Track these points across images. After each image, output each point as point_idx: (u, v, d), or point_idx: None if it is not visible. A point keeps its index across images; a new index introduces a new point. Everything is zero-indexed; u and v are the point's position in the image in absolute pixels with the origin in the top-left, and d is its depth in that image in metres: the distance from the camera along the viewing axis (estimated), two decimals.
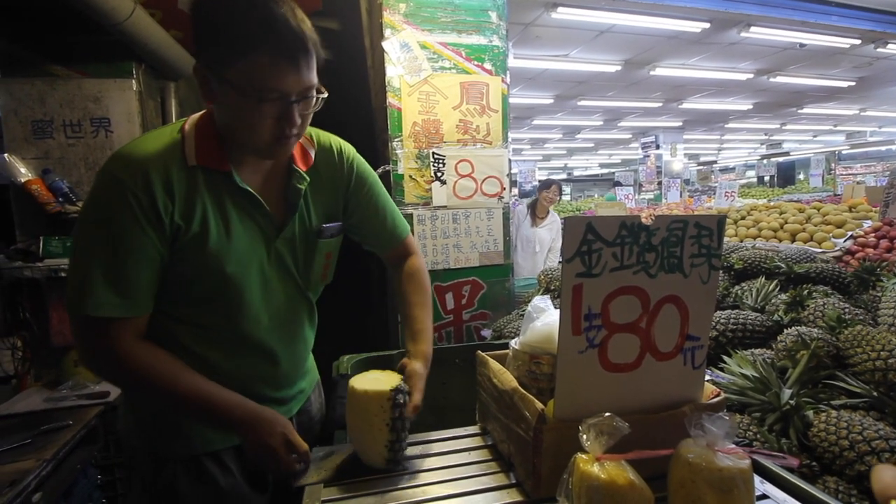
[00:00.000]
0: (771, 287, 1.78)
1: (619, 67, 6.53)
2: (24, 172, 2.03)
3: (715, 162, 19.36)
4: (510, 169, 2.31)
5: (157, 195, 0.83)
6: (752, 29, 5.13)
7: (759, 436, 1.07)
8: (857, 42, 5.64)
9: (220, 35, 0.80)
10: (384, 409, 0.88)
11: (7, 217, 2.14)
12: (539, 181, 4.66)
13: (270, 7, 0.78)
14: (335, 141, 1.09)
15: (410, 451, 0.98)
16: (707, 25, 5.01)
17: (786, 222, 3.62)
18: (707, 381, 0.91)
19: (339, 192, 1.08)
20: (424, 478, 0.89)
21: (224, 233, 0.90)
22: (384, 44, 2.05)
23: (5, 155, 2.03)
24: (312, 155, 1.02)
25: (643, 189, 12.40)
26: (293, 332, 1.07)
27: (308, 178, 1.00)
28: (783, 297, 1.65)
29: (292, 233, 1.00)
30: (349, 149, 1.10)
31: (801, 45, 5.71)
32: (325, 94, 0.89)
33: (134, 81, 2.18)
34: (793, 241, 3.40)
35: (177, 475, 0.97)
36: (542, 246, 4.11)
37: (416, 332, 1.12)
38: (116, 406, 1.91)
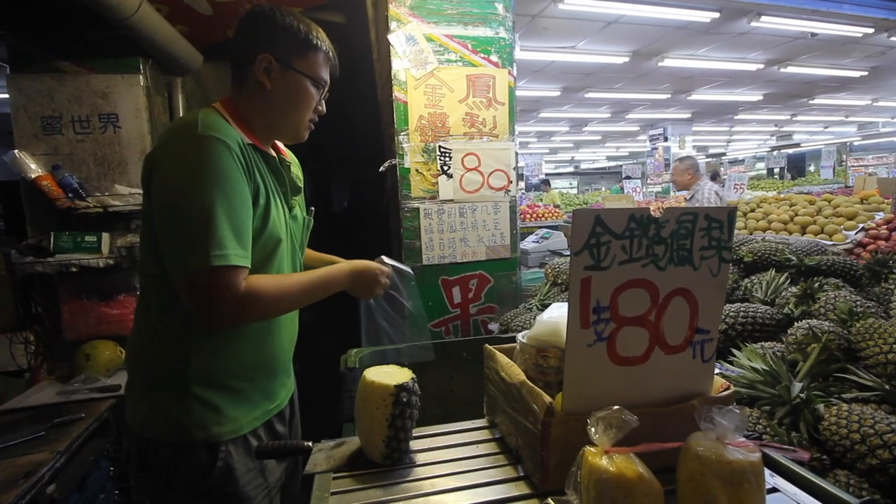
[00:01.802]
0: (781, 280, 1.76)
1: (626, 59, 6.47)
2: (34, 168, 2.05)
3: (724, 154, 19.14)
4: (517, 162, 2.30)
5: (246, 156, 0.99)
6: (763, 18, 5.06)
7: (768, 429, 1.06)
8: (870, 31, 5.54)
9: (294, 35, 1.05)
10: (386, 404, 0.88)
11: (18, 213, 2.16)
12: (550, 177, 4.72)
13: (315, 27, 1.09)
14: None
15: (418, 443, 0.98)
16: (717, 15, 4.94)
17: (796, 214, 3.57)
18: (716, 374, 0.90)
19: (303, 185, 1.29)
20: (432, 470, 0.89)
21: (274, 203, 1.06)
22: (390, 37, 2.04)
23: (15, 151, 2.05)
24: (285, 150, 1.23)
25: (651, 182, 12.30)
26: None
27: (293, 166, 1.21)
28: (793, 289, 1.63)
29: (296, 212, 1.18)
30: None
31: (813, 35, 5.61)
32: (328, 92, 1.15)
33: (141, 77, 2.19)
34: (803, 233, 3.35)
35: (232, 455, 1.03)
36: None
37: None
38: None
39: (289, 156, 1.23)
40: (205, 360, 1.02)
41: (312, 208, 1.28)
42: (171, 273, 0.93)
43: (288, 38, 1.05)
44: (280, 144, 1.20)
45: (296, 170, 1.23)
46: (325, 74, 1.11)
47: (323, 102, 1.13)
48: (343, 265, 1.15)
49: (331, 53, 1.11)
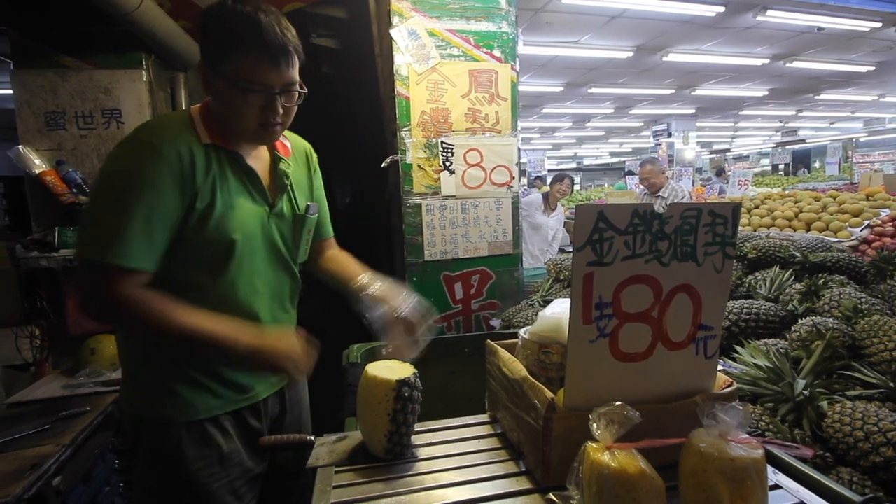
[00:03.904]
0: (785, 277, 1.75)
1: (630, 54, 6.42)
2: (38, 164, 2.06)
3: (728, 150, 19.04)
4: (519, 158, 2.29)
5: (184, 160, 0.96)
6: (769, 12, 5.01)
7: (771, 426, 1.06)
8: (878, 25, 5.48)
9: (218, 36, 0.97)
10: (387, 399, 0.89)
11: (23, 208, 2.17)
12: (553, 172, 4.80)
13: (258, 16, 0.95)
14: (305, 143, 1.28)
15: (420, 438, 0.99)
16: (722, 9, 4.90)
17: (801, 211, 3.55)
18: (719, 371, 0.90)
19: (310, 181, 1.26)
20: (434, 465, 0.90)
21: (230, 204, 1.03)
22: (392, 31, 2.03)
23: (19, 146, 2.06)
24: (289, 147, 1.20)
25: None
26: (280, 303, 1.18)
27: (291, 165, 1.17)
28: (798, 286, 1.63)
29: (281, 210, 1.14)
30: (312, 150, 1.29)
31: (819, 29, 5.56)
32: (305, 91, 1.06)
33: (144, 72, 2.19)
34: (808, 230, 3.34)
35: (182, 438, 1.04)
36: (551, 234, 4.43)
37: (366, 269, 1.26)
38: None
39: (291, 151, 1.19)
40: (165, 350, 1.04)
41: (313, 204, 1.22)
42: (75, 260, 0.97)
43: (215, 38, 0.98)
44: (282, 140, 1.17)
45: (296, 168, 1.19)
46: (263, 76, 0.96)
47: (278, 105, 1.00)
48: (247, 339, 0.98)
49: (268, 49, 0.95)
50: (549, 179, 4.73)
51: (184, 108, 2.43)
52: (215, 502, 1.07)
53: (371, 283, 1.21)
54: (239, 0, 0.97)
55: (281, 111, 1.01)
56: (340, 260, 1.33)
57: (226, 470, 1.09)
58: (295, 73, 1.02)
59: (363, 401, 0.92)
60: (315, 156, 1.29)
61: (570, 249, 0.82)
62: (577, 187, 16.36)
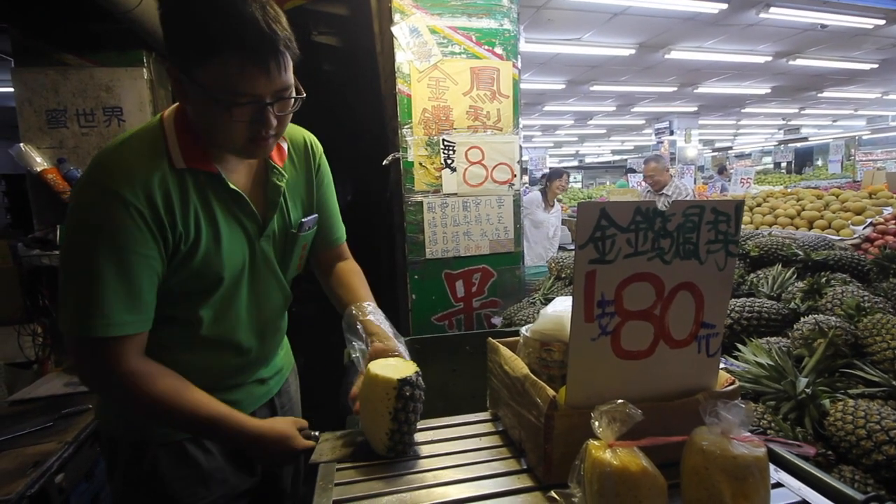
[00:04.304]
0: (787, 275, 1.75)
1: (632, 51, 6.40)
2: (39, 162, 2.06)
3: (730, 148, 18.98)
4: (521, 156, 2.29)
5: (159, 207, 0.82)
6: (772, 10, 4.99)
7: (773, 424, 1.06)
8: (882, 22, 5.45)
9: (187, 35, 0.76)
10: (389, 398, 0.88)
11: (24, 206, 2.18)
12: (550, 168, 4.81)
13: (237, 6, 0.74)
14: (305, 135, 1.09)
15: (421, 436, 0.98)
16: (725, 6, 4.88)
17: (803, 209, 3.55)
18: (721, 369, 0.90)
19: (310, 185, 1.09)
20: (435, 463, 0.90)
21: (215, 237, 0.90)
22: (393, 29, 2.03)
23: (21, 145, 2.06)
24: (286, 149, 1.03)
25: None
26: (271, 326, 1.07)
27: (286, 175, 1.00)
28: (800, 284, 1.62)
29: (273, 230, 1.00)
30: (317, 142, 1.11)
31: (823, 26, 5.53)
32: (304, 95, 0.86)
33: (145, 70, 2.19)
34: (810, 228, 3.33)
35: (159, 459, 0.98)
36: (552, 231, 4.48)
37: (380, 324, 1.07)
38: None
39: (288, 152, 1.03)
40: None
41: (308, 219, 1.07)
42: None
43: (184, 37, 0.77)
44: (281, 144, 1.02)
45: (293, 174, 1.03)
46: (248, 84, 0.77)
47: (270, 117, 0.82)
48: (249, 431, 0.92)
49: (253, 49, 0.75)
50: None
51: None
52: None
53: (371, 313, 1.08)
54: None
55: (274, 122, 0.83)
56: (347, 283, 1.18)
57: (209, 489, 1.01)
58: (289, 77, 0.82)
59: (364, 399, 0.92)
60: (319, 147, 1.11)
61: (572, 248, 0.82)
62: (578, 185, 16.35)
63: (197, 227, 0.87)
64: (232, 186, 0.91)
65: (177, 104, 0.90)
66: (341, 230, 1.21)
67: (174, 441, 0.98)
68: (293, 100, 0.85)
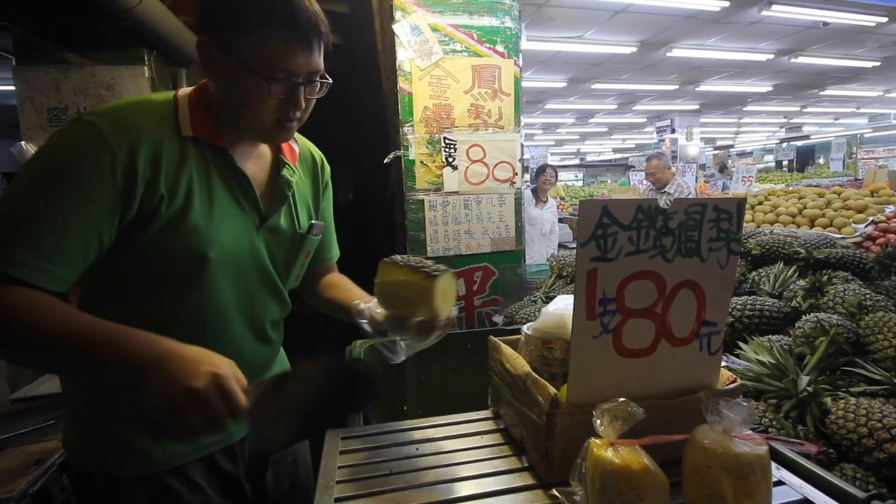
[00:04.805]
0: (789, 273, 1.75)
1: (634, 49, 6.39)
2: None
3: (732, 146, 18.95)
4: (522, 154, 2.28)
5: (139, 160, 0.75)
6: (774, 7, 4.98)
7: (775, 422, 1.06)
8: (884, 20, 5.44)
9: (233, 8, 0.77)
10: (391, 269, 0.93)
11: None
12: (536, 167, 4.84)
13: None
14: (316, 151, 1.10)
15: (423, 434, 0.99)
16: (726, 4, 4.86)
17: (805, 207, 3.54)
18: (723, 367, 0.90)
19: (317, 196, 1.07)
20: (437, 461, 0.90)
21: (208, 212, 0.83)
22: (394, 26, 2.02)
23: (22, 143, 2.06)
24: (297, 152, 1.02)
25: None
26: (259, 331, 0.97)
27: (296, 173, 0.98)
28: (802, 282, 1.62)
29: (277, 224, 0.94)
30: (327, 163, 1.11)
31: (825, 24, 5.52)
32: (331, 81, 0.86)
33: (146, 68, 2.19)
34: (812, 226, 3.32)
35: (135, 495, 0.85)
36: (548, 227, 4.43)
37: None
38: None
39: (298, 156, 1.01)
40: (113, 386, 0.84)
41: (318, 223, 1.02)
42: None
43: (224, 11, 0.77)
44: (291, 141, 0.99)
45: (301, 177, 1.01)
46: (288, 60, 0.78)
47: (301, 98, 0.82)
48: (162, 346, 0.69)
49: (305, 27, 0.77)
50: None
51: None
52: None
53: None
54: None
55: (303, 104, 0.84)
56: (343, 285, 1.13)
57: None
58: (322, 60, 0.83)
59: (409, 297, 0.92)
60: (328, 169, 1.10)
61: (573, 246, 0.82)
62: (579, 183, 16.33)
63: (188, 195, 0.81)
64: (238, 166, 0.87)
65: (196, 86, 0.89)
66: (336, 250, 1.19)
67: (149, 473, 0.86)
68: (321, 85, 0.86)
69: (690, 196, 4.18)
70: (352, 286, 1.13)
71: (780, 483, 0.79)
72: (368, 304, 1.01)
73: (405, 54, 2.04)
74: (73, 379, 0.88)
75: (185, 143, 0.83)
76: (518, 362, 0.90)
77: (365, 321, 0.99)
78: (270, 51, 0.77)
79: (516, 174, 2.26)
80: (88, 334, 0.70)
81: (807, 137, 15.65)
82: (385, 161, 2.17)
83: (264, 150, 0.95)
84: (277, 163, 0.96)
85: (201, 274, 0.84)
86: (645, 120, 13.27)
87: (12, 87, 2.09)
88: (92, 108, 0.83)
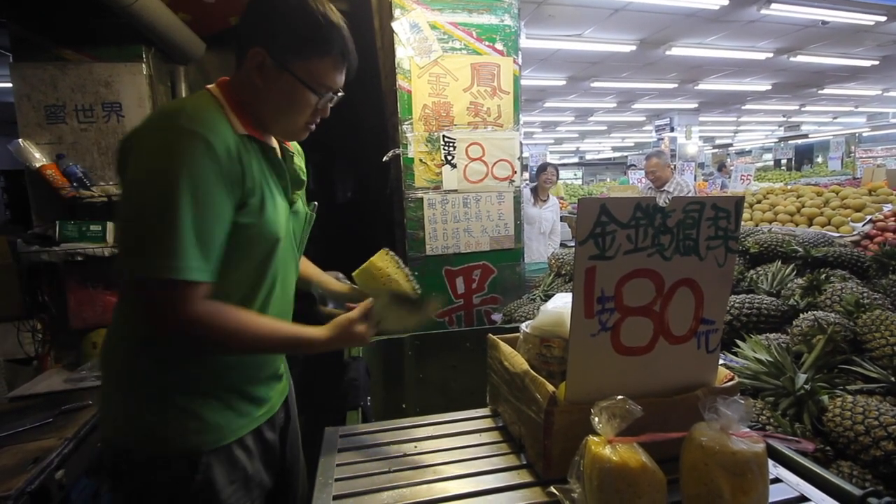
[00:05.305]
0: (787, 271, 1.75)
1: (633, 47, 6.38)
2: (38, 157, 2.05)
3: (731, 145, 18.96)
4: (521, 152, 2.28)
5: (234, 158, 0.86)
6: (773, 6, 4.97)
7: (772, 420, 1.06)
8: (883, 19, 5.44)
9: (300, 36, 0.91)
10: (392, 260, 1.12)
11: (23, 202, 2.17)
12: (537, 166, 4.80)
13: (342, 24, 0.94)
14: (298, 146, 1.21)
15: (422, 431, 0.99)
16: (726, 2, 4.86)
17: (803, 206, 3.54)
18: (720, 365, 0.90)
19: (306, 177, 1.18)
20: (436, 458, 0.90)
21: (273, 200, 0.96)
22: (394, 24, 2.02)
23: (19, 140, 2.05)
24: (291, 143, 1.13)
25: None
26: (290, 303, 1.10)
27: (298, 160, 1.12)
28: (799, 281, 1.62)
29: (298, 207, 1.08)
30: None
31: (824, 23, 5.52)
32: (343, 94, 1.02)
33: (144, 65, 2.18)
34: (810, 225, 3.33)
35: (211, 467, 0.93)
36: (547, 226, 4.39)
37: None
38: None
39: (292, 145, 1.13)
40: (185, 365, 0.93)
41: (315, 203, 1.17)
42: (122, 270, 0.83)
43: (291, 35, 0.91)
44: None
45: (299, 160, 1.14)
46: (334, 81, 0.96)
47: (328, 107, 1.00)
48: (321, 333, 0.96)
49: (348, 56, 0.96)
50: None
51: None
52: None
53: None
54: None
55: (328, 113, 1.02)
56: (305, 263, 1.26)
57: (250, 493, 1.00)
58: None
59: (376, 283, 1.11)
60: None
61: (572, 244, 0.82)
62: (578, 182, 16.33)
63: (261, 186, 0.93)
64: (279, 159, 0.99)
65: (213, 86, 0.97)
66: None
67: (222, 446, 0.95)
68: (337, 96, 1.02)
69: (689, 195, 4.18)
70: (305, 261, 1.27)
71: (777, 480, 0.79)
72: (334, 276, 1.23)
73: (404, 52, 2.04)
74: (165, 369, 0.93)
75: (243, 140, 0.92)
76: (517, 360, 0.90)
77: (329, 289, 1.20)
78: (323, 73, 0.94)
79: (515, 172, 2.26)
80: (281, 342, 0.95)
81: (805, 136, 15.65)
82: (384, 159, 2.17)
83: (275, 142, 1.06)
84: (283, 152, 1.06)
85: (274, 252, 0.97)
86: (644, 118, 13.26)
87: (10, 85, 2.08)
88: (161, 111, 0.90)
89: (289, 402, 1.16)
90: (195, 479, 0.92)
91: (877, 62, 7.67)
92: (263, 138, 0.96)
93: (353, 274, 1.16)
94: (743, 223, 3.33)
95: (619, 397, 0.67)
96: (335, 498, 0.79)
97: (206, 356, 0.94)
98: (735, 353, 1.30)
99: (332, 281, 1.23)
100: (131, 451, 0.92)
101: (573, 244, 0.80)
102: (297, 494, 1.17)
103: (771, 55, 7.00)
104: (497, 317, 2.17)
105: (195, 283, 0.82)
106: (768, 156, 17.73)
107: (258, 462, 1.02)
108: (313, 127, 1.01)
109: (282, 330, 0.94)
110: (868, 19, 5.41)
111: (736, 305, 1.47)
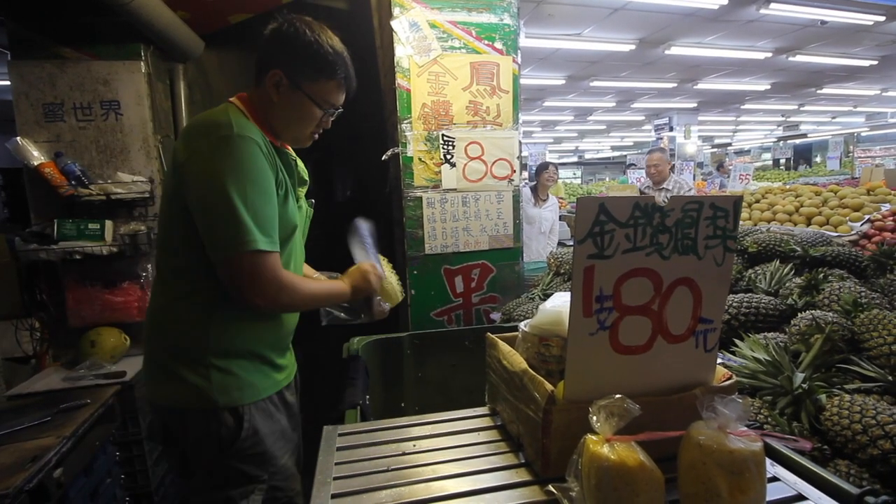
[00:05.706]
0: (785, 271, 1.75)
1: (633, 47, 6.38)
2: (36, 156, 2.05)
3: (730, 144, 18.97)
4: (520, 151, 2.28)
5: (271, 155, 1.09)
6: (772, 6, 4.97)
7: (770, 419, 1.06)
8: (881, 19, 5.44)
9: (312, 63, 1.12)
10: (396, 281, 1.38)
11: (21, 200, 2.17)
12: (537, 165, 4.79)
13: (345, 52, 1.17)
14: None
15: (420, 430, 0.99)
16: (725, 2, 4.86)
17: (801, 206, 3.54)
18: (718, 364, 0.90)
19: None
20: (434, 457, 0.90)
21: (293, 195, 1.18)
22: (393, 23, 2.02)
23: (18, 138, 2.05)
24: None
25: None
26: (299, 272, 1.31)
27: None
28: (798, 280, 1.63)
29: (303, 203, 1.27)
30: None
31: (823, 23, 5.52)
32: (341, 109, 1.23)
33: (142, 63, 2.18)
34: (808, 224, 3.33)
35: (255, 417, 1.12)
36: (547, 226, 4.40)
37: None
38: (133, 385, 1.95)
39: (291, 150, 1.31)
40: (222, 333, 1.11)
41: (312, 200, 1.35)
42: (214, 259, 1.04)
43: (304, 62, 1.12)
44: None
45: (300, 164, 1.31)
46: (337, 99, 1.18)
47: (329, 120, 1.21)
48: (344, 283, 1.26)
49: (349, 80, 1.18)
50: None
51: (183, 100, 2.41)
52: (288, 472, 1.21)
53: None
54: (321, 27, 1.15)
55: (329, 125, 1.24)
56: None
57: (286, 442, 1.22)
58: None
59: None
60: None
61: (571, 243, 0.82)
62: (578, 181, 16.33)
63: (283, 181, 1.12)
64: (292, 162, 1.20)
65: (233, 101, 1.15)
66: None
67: (259, 400, 1.14)
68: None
69: (690, 193, 4.19)
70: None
71: (774, 479, 0.80)
72: (327, 276, 1.40)
73: (403, 51, 2.04)
74: (207, 337, 1.11)
75: (268, 144, 1.09)
76: (515, 359, 0.90)
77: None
78: (329, 93, 1.16)
79: (514, 171, 2.26)
80: (329, 295, 1.23)
81: (804, 136, 15.67)
82: (383, 158, 2.17)
83: (288, 147, 1.27)
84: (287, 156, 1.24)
85: (292, 238, 1.19)
86: (643, 118, 13.27)
87: (8, 83, 2.07)
88: (200, 121, 1.10)
89: (296, 377, 1.35)
90: (244, 427, 1.10)
91: (875, 62, 7.68)
92: (279, 144, 1.17)
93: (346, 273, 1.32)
94: (741, 222, 3.34)
95: (618, 396, 0.67)
96: (333, 496, 0.79)
97: (264, 321, 1.16)
98: (733, 352, 1.31)
99: (324, 279, 1.38)
100: (182, 411, 1.10)
101: (572, 243, 0.80)
102: (300, 460, 1.35)
103: (770, 55, 7.01)
104: (496, 316, 2.17)
105: (272, 253, 1.04)
106: (767, 155, 17.75)
107: (285, 416, 1.23)
108: (317, 136, 1.22)
109: (325, 286, 1.22)
110: (867, 19, 5.42)
111: (734, 304, 1.48)
